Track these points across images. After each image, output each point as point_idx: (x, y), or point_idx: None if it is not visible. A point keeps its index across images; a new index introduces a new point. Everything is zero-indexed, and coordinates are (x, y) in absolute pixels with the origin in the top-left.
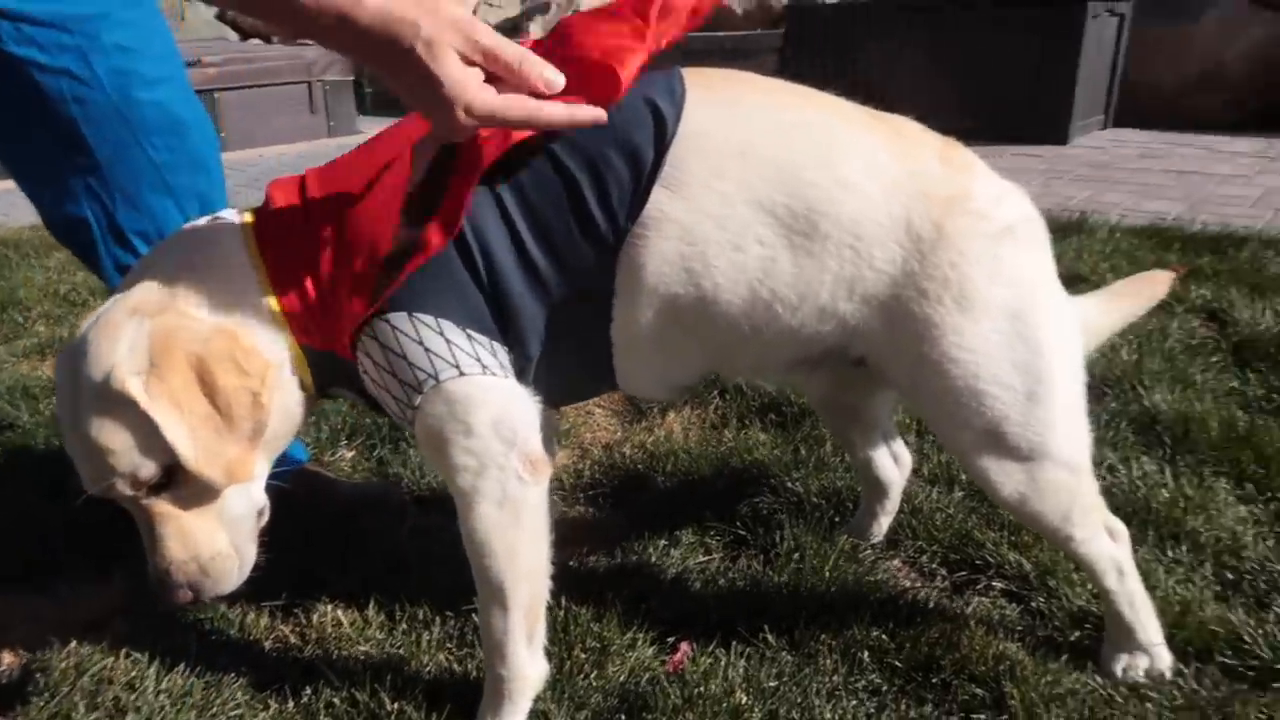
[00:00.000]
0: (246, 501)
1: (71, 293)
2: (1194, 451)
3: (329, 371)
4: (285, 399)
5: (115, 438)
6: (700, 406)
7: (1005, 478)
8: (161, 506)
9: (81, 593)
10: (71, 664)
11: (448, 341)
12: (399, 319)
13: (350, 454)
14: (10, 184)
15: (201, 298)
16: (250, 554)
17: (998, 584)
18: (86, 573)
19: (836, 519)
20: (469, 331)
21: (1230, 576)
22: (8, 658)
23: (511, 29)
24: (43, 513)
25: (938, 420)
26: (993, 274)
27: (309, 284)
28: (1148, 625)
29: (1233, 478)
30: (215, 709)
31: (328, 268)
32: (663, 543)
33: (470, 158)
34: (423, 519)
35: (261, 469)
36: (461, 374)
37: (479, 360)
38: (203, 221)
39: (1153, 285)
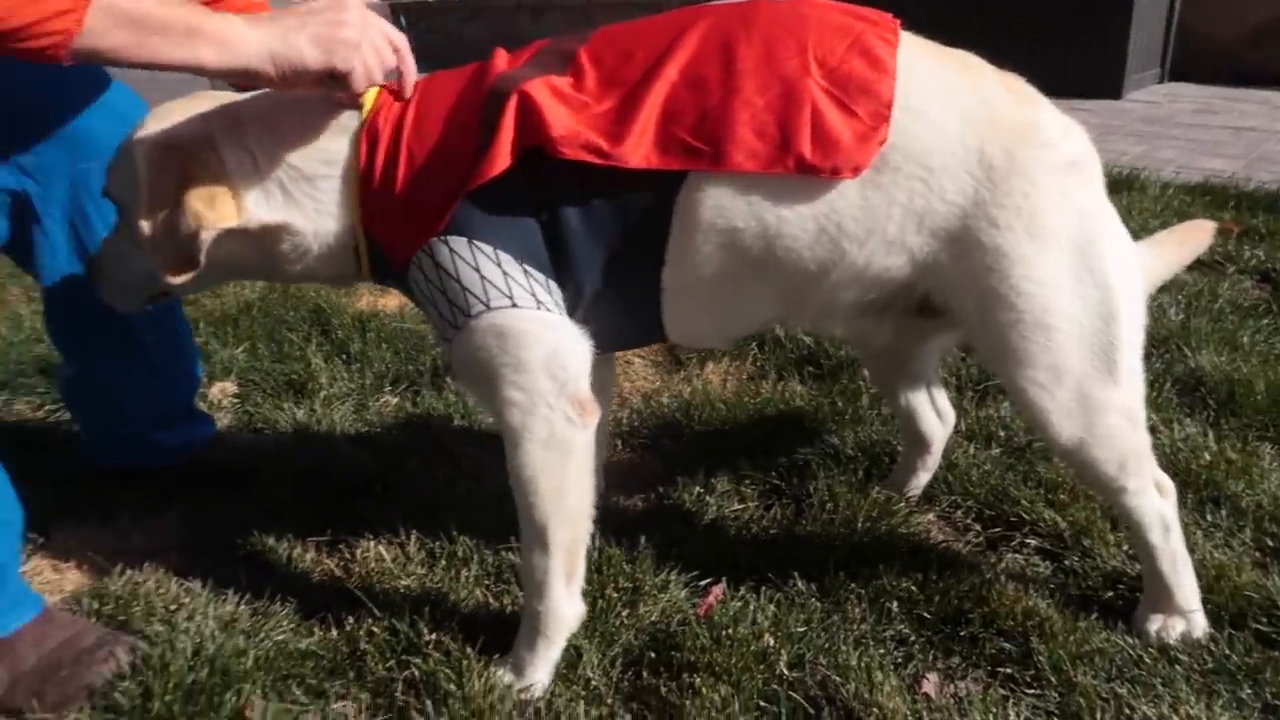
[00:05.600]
0: (149, 273)
1: None
2: (1238, 415)
3: (386, 264)
4: (311, 262)
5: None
6: (739, 359)
7: (1066, 420)
8: (120, 230)
9: (140, 527)
10: (127, 590)
11: (504, 273)
12: (459, 244)
13: (394, 399)
14: None
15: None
16: (127, 301)
17: (1032, 541)
18: (144, 510)
19: (872, 471)
20: (526, 267)
21: (1270, 543)
22: (70, 584)
23: None
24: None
25: (1001, 357)
26: (1061, 205)
27: (388, 186)
28: (1186, 587)
29: (1278, 443)
30: (262, 635)
31: (406, 182)
32: (698, 490)
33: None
34: (465, 460)
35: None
36: (515, 306)
37: (534, 295)
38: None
39: (1197, 234)
